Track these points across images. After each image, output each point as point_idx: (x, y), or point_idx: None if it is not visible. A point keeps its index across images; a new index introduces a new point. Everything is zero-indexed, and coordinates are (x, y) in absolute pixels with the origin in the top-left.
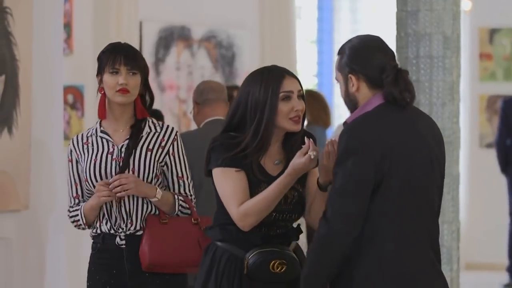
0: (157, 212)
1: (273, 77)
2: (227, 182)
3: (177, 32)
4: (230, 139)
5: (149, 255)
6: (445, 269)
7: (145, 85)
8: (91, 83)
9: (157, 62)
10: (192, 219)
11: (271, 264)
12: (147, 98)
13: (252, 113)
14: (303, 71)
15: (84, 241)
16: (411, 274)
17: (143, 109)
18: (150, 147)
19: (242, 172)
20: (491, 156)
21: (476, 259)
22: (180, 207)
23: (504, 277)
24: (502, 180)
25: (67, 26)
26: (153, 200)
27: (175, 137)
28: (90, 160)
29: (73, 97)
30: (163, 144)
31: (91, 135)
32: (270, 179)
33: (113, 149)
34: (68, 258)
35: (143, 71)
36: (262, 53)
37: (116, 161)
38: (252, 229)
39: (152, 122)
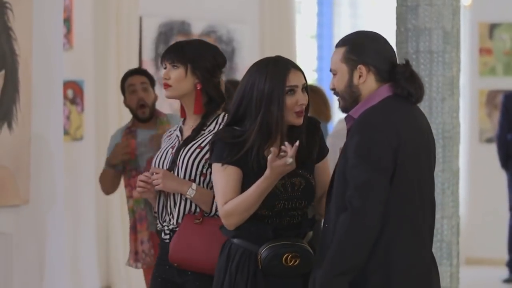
0: (198, 210)
1: (278, 70)
2: (220, 179)
3: (177, 27)
4: (234, 137)
5: (171, 252)
6: (445, 264)
7: (203, 77)
8: (91, 78)
9: (157, 57)
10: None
11: (284, 257)
12: (211, 91)
13: (257, 107)
14: (303, 66)
15: (83, 235)
16: (419, 267)
17: (198, 105)
18: (202, 144)
19: (238, 170)
20: (491, 151)
21: (476, 254)
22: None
23: (504, 272)
24: (502, 175)
25: (67, 21)
26: (187, 197)
27: None
28: (157, 153)
29: (73, 92)
30: None
31: (175, 130)
32: None
33: (175, 144)
34: (68, 253)
35: (189, 63)
36: (262, 48)
37: (172, 156)
38: (262, 221)
39: (223, 119)
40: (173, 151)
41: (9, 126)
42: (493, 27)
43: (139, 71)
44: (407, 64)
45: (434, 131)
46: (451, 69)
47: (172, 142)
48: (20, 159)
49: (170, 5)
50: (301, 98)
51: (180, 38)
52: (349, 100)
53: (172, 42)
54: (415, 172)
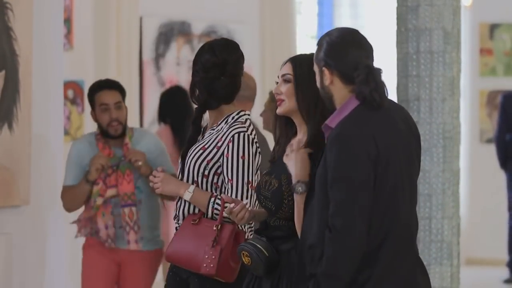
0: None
1: None
2: None
3: (177, 28)
4: None
5: (166, 250)
6: (445, 264)
7: (191, 82)
8: (91, 78)
9: (157, 57)
10: (214, 225)
11: (242, 255)
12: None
13: None
14: None
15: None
16: (404, 269)
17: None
18: (206, 146)
19: None
20: (491, 151)
21: (476, 255)
22: (215, 210)
23: (504, 272)
24: (502, 175)
25: (67, 22)
26: (184, 198)
27: (231, 138)
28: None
29: (74, 92)
30: (219, 144)
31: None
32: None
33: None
34: (68, 253)
35: (196, 66)
36: (262, 48)
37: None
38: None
39: (233, 118)
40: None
41: (10, 126)
42: (493, 28)
43: (111, 85)
44: (364, 67)
45: (434, 131)
46: (452, 70)
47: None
48: (20, 159)
49: (170, 5)
50: (276, 88)
51: (180, 39)
52: (326, 100)
53: (173, 42)
54: (397, 178)
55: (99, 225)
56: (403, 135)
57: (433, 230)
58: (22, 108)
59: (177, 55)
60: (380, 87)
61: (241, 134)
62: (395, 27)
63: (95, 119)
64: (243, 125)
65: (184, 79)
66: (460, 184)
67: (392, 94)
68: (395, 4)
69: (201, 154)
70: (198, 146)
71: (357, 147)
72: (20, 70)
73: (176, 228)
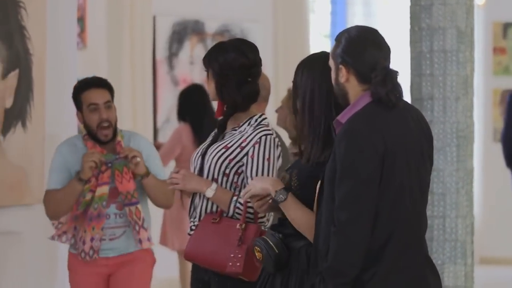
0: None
1: None
2: None
3: (190, 26)
4: None
5: (186, 249)
6: (459, 263)
7: (218, 83)
8: (105, 77)
9: (171, 56)
10: (238, 224)
11: (254, 250)
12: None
13: None
14: None
15: None
16: (413, 269)
17: (218, 109)
18: (229, 145)
19: None
20: None
21: (490, 253)
22: (237, 209)
23: None
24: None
25: (81, 20)
26: (206, 195)
27: (258, 140)
28: (198, 148)
29: None
30: (243, 144)
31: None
32: None
33: (210, 142)
34: None
35: (213, 70)
36: (275, 47)
37: (202, 152)
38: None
39: (256, 121)
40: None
41: (23, 125)
42: (507, 27)
43: (100, 84)
44: (382, 68)
45: (448, 130)
46: (465, 69)
47: (208, 141)
48: (33, 158)
49: (183, 4)
50: None
51: (193, 37)
52: (340, 96)
53: (186, 41)
54: (404, 176)
55: (86, 237)
56: (413, 134)
57: (447, 229)
58: (35, 107)
59: (190, 54)
60: (397, 89)
61: (268, 137)
62: (408, 26)
63: (82, 120)
64: (268, 128)
65: (197, 77)
66: (473, 183)
67: (405, 93)
68: (409, 3)
69: (223, 153)
70: (220, 145)
71: (365, 142)
72: (34, 69)
73: (191, 226)
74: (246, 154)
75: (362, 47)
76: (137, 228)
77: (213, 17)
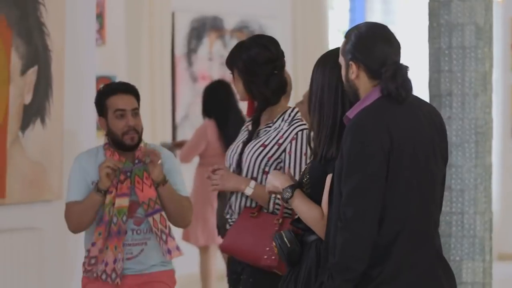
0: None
1: None
2: None
3: (209, 23)
4: None
5: (222, 241)
6: (477, 259)
7: (246, 81)
8: (123, 73)
9: (190, 52)
10: (275, 219)
11: (273, 244)
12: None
13: None
14: None
15: None
16: (421, 264)
17: (249, 108)
18: (266, 143)
19: None
20: None
21: (509, 250)
22: (276, 205)
23: None
24: None
25: (100, 17)
26: (246, 193)
27: (295, 136)
28: (231, 146)
29: None
30: (280, 141)
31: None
32: None
33: (246, 139)
34: None
35: (238, 70)
36: (294, 44)
37: (239, 150)
38: None
39: (290, 115)
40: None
41: (42, 121)
42: None
43: (128, 90)
44: (392, 63)
45: (466, 126)
46: (484, 65)
47: (243, 136)
48: (52, 154)
49: (202, 0)
50: None
51: (212, 34)
52: (350, 93)
53: (205, 37)
54: (412, 172)
55: (108, 258)
56: (424, 130)
57: (465, 225)
58: (54, 103)
59: (209, 50)
60: (407, 84)
61: (304, 132)
62: (427, 22)
63: (106, 127)
64: (303, 122)
65: (216, 74)
66: (492, 179)
67: (424, 89)
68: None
69: (261, 151)
70: (257, 143)
71: (371, 138)
72: (53, 65)
73: (229, 223)
74: (284, 151)
75: (372, 42)
76: (164, 237)
77: (232, 13)
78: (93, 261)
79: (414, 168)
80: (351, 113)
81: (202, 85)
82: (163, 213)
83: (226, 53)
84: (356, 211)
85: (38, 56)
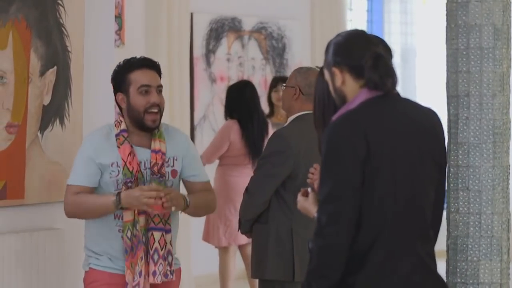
0: None
1: None
2: None
3: (227, 24)
4: None
5: None
6: (495, 260)
7: None
8: None
9: (208, 53)
10: None
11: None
12: None
13: None
14: None
15: None
16: (404, 279)
17: None
18: None
19: None
20: None
21: None
22: None
23: None
24: None
25: (119, 18)
26: None
27: None
28: None
29: None
30: None
31: None
32: None
33: None
34: None
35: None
36: (312, 45)
37: None
38: None
39: None
40: None
41: (61, 122)
42: None
43: (153, 66)
44: (371, 54)
45: (484, 127)
46: (501, 66)
47: None
48: (71, 154)
49: (221, 1)
50: None
51: (231, 35)
52: (339, 102)
53: (223, 38)
54: (391, 178)
55: (127, 278)
56: (408, 134)
57: (482, 225)
58: (73, 104)
59: (227, 51)
60: (390, 72)
61: None
62: (444, 23)
63: (126, 104)
64: None
65: (234, 75)
66: (510, 180)
67: (442, 90)
68: (445, 0)
69: None
70: None
71: (345, 145)
72: (72, 66)
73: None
74: None
75: (350, 44)
76: (155, 258)
77: (250, 14)
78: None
79: (394, 174)
80: (335, 117)
81: (220, 86)
82: (165, 234)
83: (244, 54)
84: (329, 218)
85: (57, 57)
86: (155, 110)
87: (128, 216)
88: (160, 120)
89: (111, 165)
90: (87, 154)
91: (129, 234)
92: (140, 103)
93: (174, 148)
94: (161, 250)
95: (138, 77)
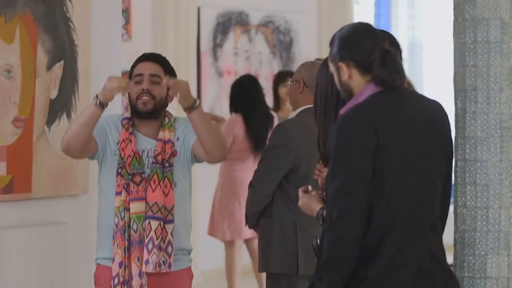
0: None
1: None
2: None
3: (234, 18)
4: None
5: None
6: (502, 254)
7: None
8: None
9: (215, 47)
10: None
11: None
12: None
13: None
14: None
15: None
16: (416, 271)
17: None
18: None
19: None
20: None
21: None
22: None
23: None
24: None
25: (126, 12)
26: None
27: None
28: None
29: None
30: None
31: None
32: None
33: None
34: None
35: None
36: (319, 38)
37: None
38: None
39: None
40: None
41: (68, 115)
42: None
43: (151, 57)
44: (379, 50)
45: (491, 121)
46: (509, 60)
47: None
48: None
49: None
50: None
51: (238, 29)
52: (346, 95)
53: (230, 32)
54: (401, 171)
55: (132, 271)
56: (418, 127)
57: (490, 220)
58: (80, 98)
59: (234, 45)
60: (399, 69)
61: None
62: (452, 17)
63: (129, 96)
64: None
65: (241, 69)
66: None
67: (449, 84)
68: None
69: None
70: None
71: (355, 137)
72: (79, 60)
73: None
74: None
75: (356, 38)
76: (149, 247)
77: (258, 8)
78: (116, 280)
79: (404, 167)
80: (343, 111)
81: (227, 80)
82: (163, 224)
83: (251, 48)
84: (341, 212)
85: (64, 51)
86: (145, 97)
87: (116, 202)
88: (155, 107)
89: (116, 143)
90: (102, 123)
91: (116, 220)
92: (133, 92)
93: (176, 132)
94: (157, 239)
95: (137, 69)
